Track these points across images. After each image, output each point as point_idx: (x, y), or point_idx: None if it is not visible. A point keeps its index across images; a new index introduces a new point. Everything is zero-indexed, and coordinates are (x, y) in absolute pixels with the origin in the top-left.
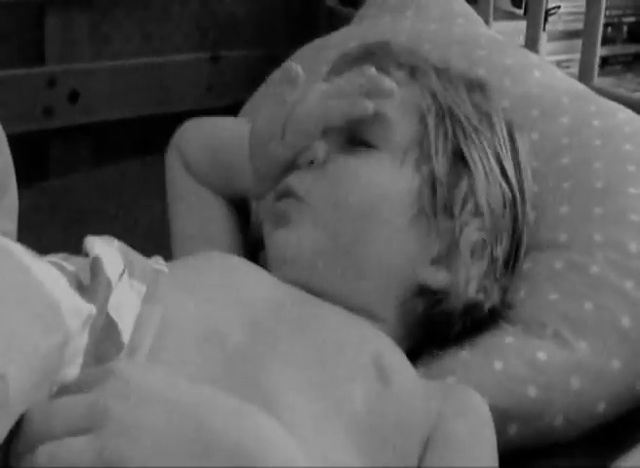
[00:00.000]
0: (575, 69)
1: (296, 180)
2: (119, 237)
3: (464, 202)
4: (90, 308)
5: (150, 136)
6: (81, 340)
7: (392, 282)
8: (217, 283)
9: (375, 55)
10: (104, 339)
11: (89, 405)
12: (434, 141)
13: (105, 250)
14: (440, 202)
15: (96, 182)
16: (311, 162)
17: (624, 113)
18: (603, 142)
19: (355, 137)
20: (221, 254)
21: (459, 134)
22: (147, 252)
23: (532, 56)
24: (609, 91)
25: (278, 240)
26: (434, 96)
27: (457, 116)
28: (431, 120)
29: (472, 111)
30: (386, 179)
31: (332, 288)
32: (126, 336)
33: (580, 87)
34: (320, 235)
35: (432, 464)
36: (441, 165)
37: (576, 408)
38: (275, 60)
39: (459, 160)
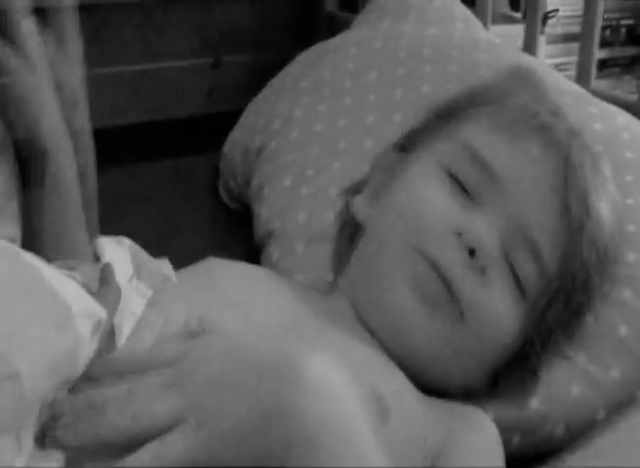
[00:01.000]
0: (573, 72)
1: (465, 282)
2: None
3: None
4: (101, 313)
5: (153, 141)
6: (91, 347)
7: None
8: (224, 293)
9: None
10: (102, 341)
11: (173, 371)
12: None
13: (117, 253)
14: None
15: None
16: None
17: (624, 117)
18: (604, 149)
19: (512, 267)
20: (237, 264)
21: (576, 296)
22: None
23: (531, 58)
24: (605, 93)
25: (413, 316)
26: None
27: (586, 270)
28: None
29: (596, 261)
30: (516, 323)
31: (412, 363)
32: (122, 340)
33: (580, 89)
34: (448, 343)
35: None
36: (555, 311)
37: (576, 416)
38: (276, 65)
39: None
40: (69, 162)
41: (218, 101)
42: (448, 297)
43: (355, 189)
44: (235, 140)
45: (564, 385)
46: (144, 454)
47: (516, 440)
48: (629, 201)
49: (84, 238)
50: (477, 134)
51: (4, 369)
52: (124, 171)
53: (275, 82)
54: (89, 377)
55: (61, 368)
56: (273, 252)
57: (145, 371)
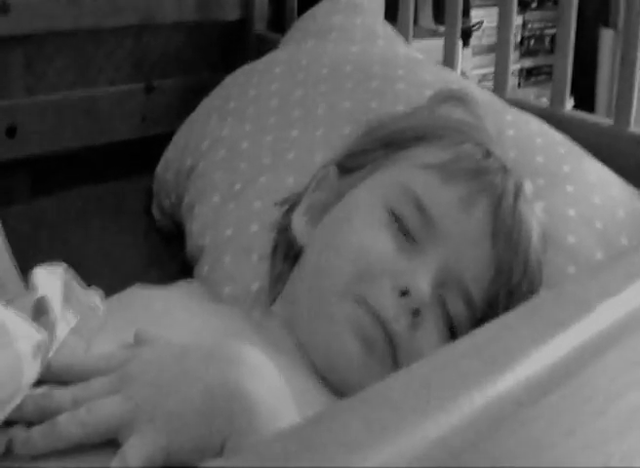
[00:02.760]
0: None
1: (403, 329)
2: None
3: None
4: (41, 335)
5: (88, 167)
6: (34, 368)
7: None
8: (148, 322)
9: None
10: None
11: (118, 376)
12: None
13: (47, 282)
14: None
15: (33, 215)
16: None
17: (536, 124)
18: (517, 154)
19: (445, 308)
20: (164, 295)
21: None
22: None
23: (449, 71)
24: (520, 101)
25: (354, 360)
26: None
27: (512, 299)
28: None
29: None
30: None
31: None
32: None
33: (495, 98)
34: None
35: None
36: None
37: None
38: (207, 88)
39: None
40: None
41: (152, 125)
42: (386, 343)
43: (291, 202)
44: (167, 161)
45: None
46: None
47: None
48: (540, 203)
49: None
50: (416, 173)
51: None
52: (61, 196)
53: (205, 103)
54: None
55: (4, 384)
56: (204, 266)
57: (87, 378)
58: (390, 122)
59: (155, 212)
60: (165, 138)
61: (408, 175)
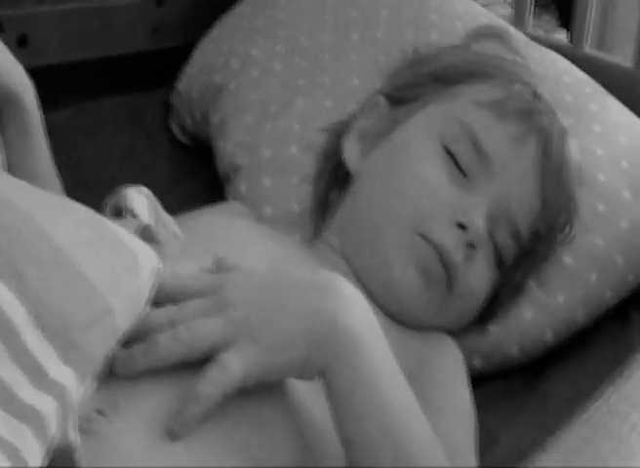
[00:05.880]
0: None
1: (459, 260)
2: (69, 184)
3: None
4: (156, 260)
5: (98, 80)
6: (150, 294)
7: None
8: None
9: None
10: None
11: (214, 299)
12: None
13: (141, 205)
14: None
15: (48, 128)
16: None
17: (562, 62)
18: (546, 92)
19: (495, 243)
20: (227, 220)
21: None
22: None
23: (474, 3)
24: (539, 37)
25: (414, 290)
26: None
27: (554, 234)
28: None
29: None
30: (490, 286)
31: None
32: None
33: (521, 34)
34: (434, 306)
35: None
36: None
37: (528, 338)
38: (216, 3)
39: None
40: (35, 104)
41: (162, 38)
42: (444, 274)
43: (336, 128)
44: (191, 78)
45: (517, 310)
46: (209, 375)
47: (477, 361)
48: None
49: (54, 173)
50: (471, 110)
51: (102, 304)
52: (72, 107)
53: (228, 21)
54: None
55: (135, 307)
56: (240, 185)
57: (177, 300)
58: (436, 56)
59: (174, 127)
60: (174, 52)
61: (463, 110)
